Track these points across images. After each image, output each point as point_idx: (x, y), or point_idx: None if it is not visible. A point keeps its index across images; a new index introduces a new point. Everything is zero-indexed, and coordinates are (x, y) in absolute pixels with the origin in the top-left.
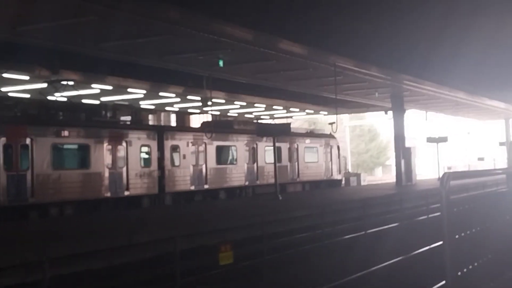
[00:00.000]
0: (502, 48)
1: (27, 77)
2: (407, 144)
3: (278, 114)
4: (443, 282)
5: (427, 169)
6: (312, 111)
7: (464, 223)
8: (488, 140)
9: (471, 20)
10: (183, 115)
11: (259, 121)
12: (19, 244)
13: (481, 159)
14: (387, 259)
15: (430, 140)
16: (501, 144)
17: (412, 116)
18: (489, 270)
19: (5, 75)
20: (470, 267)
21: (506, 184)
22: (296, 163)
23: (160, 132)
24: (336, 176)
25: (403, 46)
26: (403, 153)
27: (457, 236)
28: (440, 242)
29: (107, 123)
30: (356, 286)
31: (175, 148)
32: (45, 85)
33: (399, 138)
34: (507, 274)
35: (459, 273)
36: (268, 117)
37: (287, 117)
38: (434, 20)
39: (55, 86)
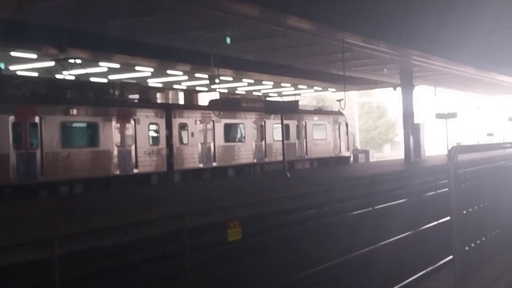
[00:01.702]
0: (510, 22)
1: (35, 56)
2: (415, 121)
3: (286, 92)
4: (451, 256)
5: (436, 145)
6: (320, 88)
7: (472, 198)
8: (497, 116)
9: None
10: (191, 93)
11: (267, 98)
12: (29, 222)
13: (490, 134)
14: (395, 235)
15: (439, 116)
16: (511, 119)
17: (421, 92)
18: (496, 244)
19: (13, 53)
20: (478, 242)
21: None
22: (304, 140)
23: (168, 110)
24: (345, 153)
25: (411, 21)
26: (411, 129)
27: (464, 212)
28: (448, 218)
29: (115, 102)
30: (364, 261)
31: (183, 126)
32: (52, 63)
33: (407, 114)
34: None
35: (467, 248)
36: (276, 94)
37: (295, 95)
38: None
39: (62, 64)
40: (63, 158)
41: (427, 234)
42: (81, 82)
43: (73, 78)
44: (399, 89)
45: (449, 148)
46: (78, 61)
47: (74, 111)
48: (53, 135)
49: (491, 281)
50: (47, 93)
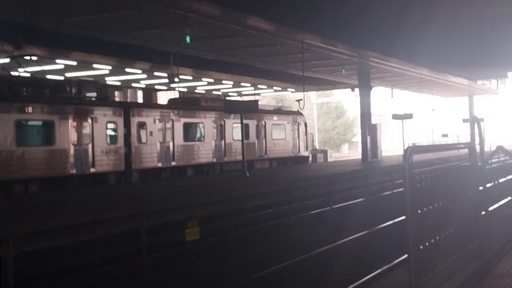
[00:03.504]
0: (464, 26)
1: None
2: (373, 121)
3: (245, 91)
4: (406, 255)
5: (392, 145)
6: (279, 88)
7: (427, 197)
8: (452, 117)
9: None
10: (149, 92)
11: (227, 98)
12: None
13: (445, 135)
14: (351, 234)
15: (395, 117)
16: (465, 120)
17: (378, 93)
18: (450, 243)
19: None
20: (432, 240)
21: (468, 159)
22: (264, 140)
23: (127, 109)
24: (303, 152)
25: (369, 23)
26: (369, 130)
27: (419, 211)
28: (404, 217)
29: (72, 99)
30: (322, 260)
31: (141, 125)
32: (7, 60)
33: (365, 115)
34: (468, 247)
35: (421, 247)
36: (235, 94)
37: (254, 94)
38: None
39: (18, 61)
40: (17, 157)
41: (383, 233)
42: (37, 79)
43: (28, 75)
44: (357, 90)
45: (404, 149)
46: (34, 58)
47: (30, 109)
48: (7, 133)
49: (445, 279)
50: (1, 90)
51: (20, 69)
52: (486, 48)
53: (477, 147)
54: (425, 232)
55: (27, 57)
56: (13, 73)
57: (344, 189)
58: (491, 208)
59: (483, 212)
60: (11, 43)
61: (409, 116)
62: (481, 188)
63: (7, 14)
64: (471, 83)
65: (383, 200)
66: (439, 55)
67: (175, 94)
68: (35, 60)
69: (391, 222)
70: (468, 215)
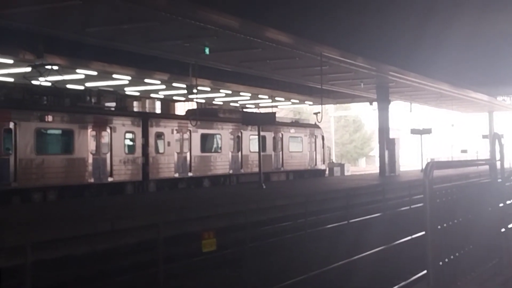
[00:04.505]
0: (484, 42)
1: (11, 61)
2: (391, 135)
3: (263, 103)
4: (425, 271)
5: (410, 160)
6: (297, 101)
7: (446, 213)
8: (471, 133)
9: (453, 12)
10: (168, 103)
11: (244, 110)
12: (1, 229)
13: (464, 151)
14: (369, 249)
15: (414, 131)
16: (484, 137)
17: (397, 108)
18: (470, 260)
19: None
20: (452, 257)
21: (488, 175)
22: (281, 152)
23: (145, 119)
24: (320, 166)
25: (388, 37)
26: (387, 144)
27: (439, 227)
28: (422, 233)
29: (91, 109)
30: (338, 275)
31: (159, 135)
32: (29, 69)
33: (383, 129)
34: (487, 264)
35: (441, 263)
36: (253, 106)
37: (272, 106)
38: (417, 12)
39: (39, 71)
40: (37, 165)
41: (401, 248)
42: (58, 89)
43: (49, 84)
44: (375, 103)
45: (424, 165)
46: (55, 67)
47: (50, 118)
48: (27, 141)
49: None
50: (22, 98)
51: (41, 78)
52: (507, 64)
53: (498, 164)
54: (444, 248)
55: (48, 67)
56: (34, 82)
57: (361, 203)
58: (511, 225)
59: (503, 229)
60: (32, 52)
61: (428, 131)
62: (501, 205)
63: (29, 24)
64: (491, 99)
65: (401, 216)
66: (459, 70)
67: (192, 105)
68: (56, 70)
69: (409, 237)
70: (488, 232)
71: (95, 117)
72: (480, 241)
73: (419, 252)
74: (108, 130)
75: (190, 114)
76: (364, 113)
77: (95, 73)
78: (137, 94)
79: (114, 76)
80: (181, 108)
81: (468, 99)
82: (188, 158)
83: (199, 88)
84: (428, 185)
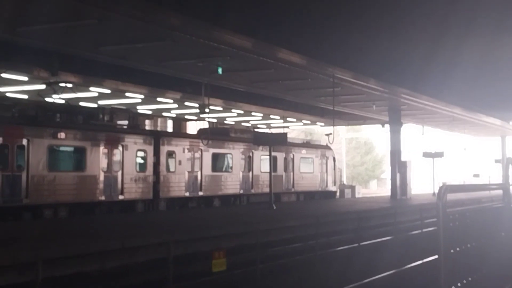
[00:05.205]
0: (497, 65)
1: (26, 78)
2: (403, 158)
3: (274, 124)
4: None
5: (422, 183)
6: (309, 122)
7: (459, 237)
8: (484, 157)
9: (465, 35)
10: (180, 121)
11: (256, 130)
12: (12, 245)
13: (476, 175)
14: (380, 272)
15: (426, 155)
16: (497, 161)
17: (409, 130)
18: (483, 285)
19: (3, 75)
20: (465, 281)
21: (501, 200)
22: (292, 173)
23: (157, 138)
24: (331, 187)
25: (401, 60)
26: (398, 167)
27: (452, 251)
28: (435, 257)
29: (104, 127)
30: None
31: (171, 154)
32: (43, 86)
33: (395, 151)
34: None
35: (453, 287)
36: (264, 126)
37: (283, 127)
38: (430, 35)
39: (53, 88)
40: (49, 182)
41: (413, 272)
42: (71, 106)
43: (62, 101)
44: (387, 126)
45: (435, 188)
46: (69, 85)
47: (62, 135)
48: (40, 158)
49: None
50: (35, 115)
51: (55, 96)
52: None
53: (511, 188)
54: (457, 273)
55: (63, 84)
56: (47, 99)
57: (372, 226)
58: None
59: None
60: (47, 69)
61: (440, 155)
62: None
63: (45, 42)
64: (504, 124)
65: (412, 239)
66: (472, 93)
67: (204, 124)
68: (70, 87)
69: (421, 261)
70: (501, 257)
71: (107, 135)
72: (493, 266)
73: (431, 277)
74: (120, 148)
75: (201, 133)
76: (375, 135)
77: (108, 91)
78: (150, 112)
79: (127, 94)
80: (192, 127)
81: (481, 123)
82: (199, 177)
83: (211, 107)
84: (441, 208)
